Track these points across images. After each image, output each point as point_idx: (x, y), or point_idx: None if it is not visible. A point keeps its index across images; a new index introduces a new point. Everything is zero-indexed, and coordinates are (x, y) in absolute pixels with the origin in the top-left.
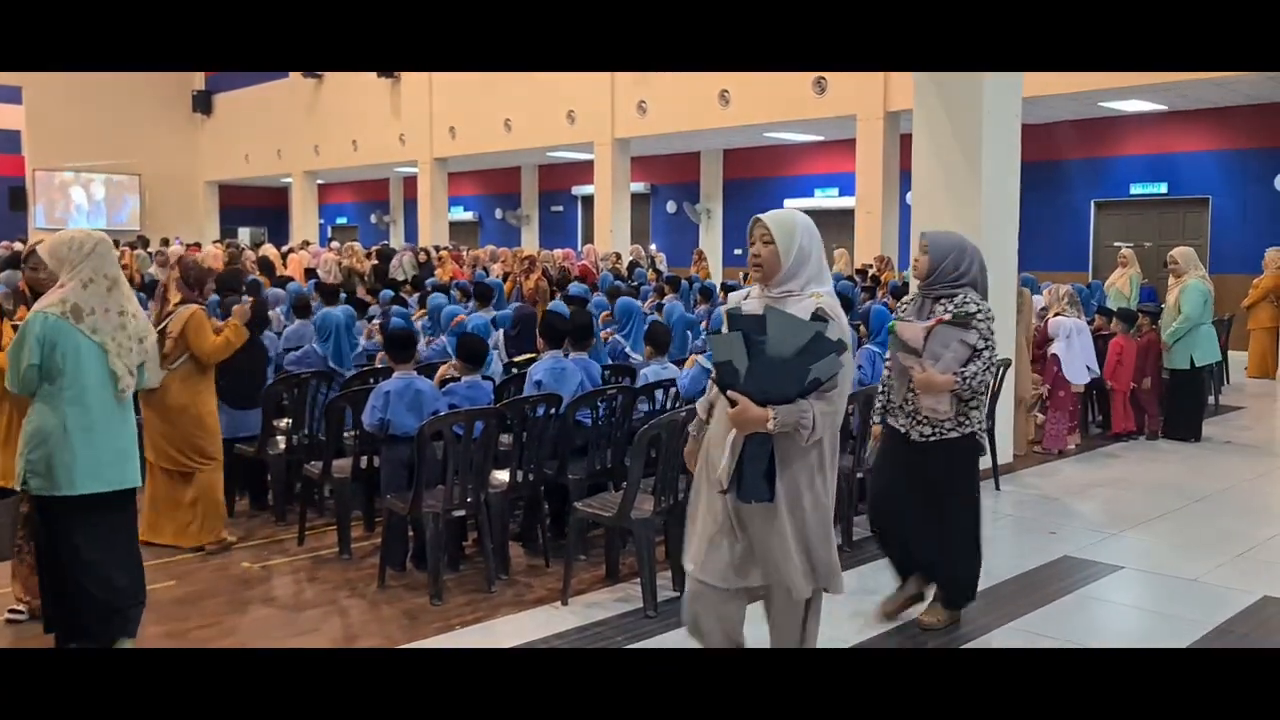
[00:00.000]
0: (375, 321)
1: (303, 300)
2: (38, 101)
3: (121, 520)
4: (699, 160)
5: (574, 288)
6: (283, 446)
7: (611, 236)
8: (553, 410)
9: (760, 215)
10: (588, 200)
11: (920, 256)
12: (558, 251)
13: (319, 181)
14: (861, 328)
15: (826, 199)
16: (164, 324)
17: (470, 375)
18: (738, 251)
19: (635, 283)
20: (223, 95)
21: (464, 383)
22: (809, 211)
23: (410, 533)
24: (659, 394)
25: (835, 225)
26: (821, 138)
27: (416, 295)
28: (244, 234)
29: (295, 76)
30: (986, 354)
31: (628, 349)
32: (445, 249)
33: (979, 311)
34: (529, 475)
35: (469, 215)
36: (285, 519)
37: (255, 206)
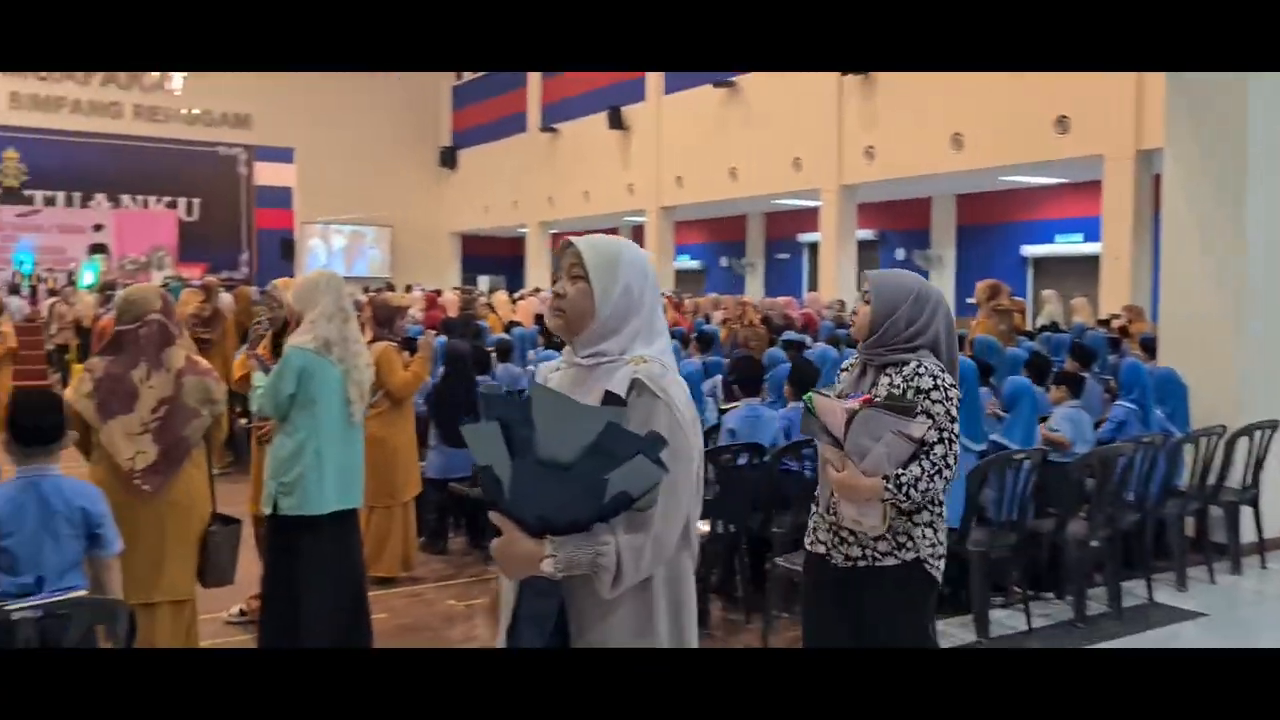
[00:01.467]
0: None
1: (504, 345)
2: (306, 160)
3: (355, 539)
4: (929, 206)
5: (788, 334)
6: None
7: (837, 285)
8: (756, 460)
9: (574, 239)
10: (814, 247)
11: (860, 307)
12: (779, 299)
13: (553, 231)
14: (1111, 382)
15: (1069, 244)
16: None
17: None
18: (970, 300)
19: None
20: (466, 150)
21: None
22: (1049, 259)
23: None
24: None
25: (1078, 273)
26: (1063, 180)
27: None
28: (483, 281)
29: (533, 130)
30: (940, 450)
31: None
32: (666, 295)
33: (935, 388)
34: (729, 526)
35: (695, 263)
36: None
37: (494, 255)
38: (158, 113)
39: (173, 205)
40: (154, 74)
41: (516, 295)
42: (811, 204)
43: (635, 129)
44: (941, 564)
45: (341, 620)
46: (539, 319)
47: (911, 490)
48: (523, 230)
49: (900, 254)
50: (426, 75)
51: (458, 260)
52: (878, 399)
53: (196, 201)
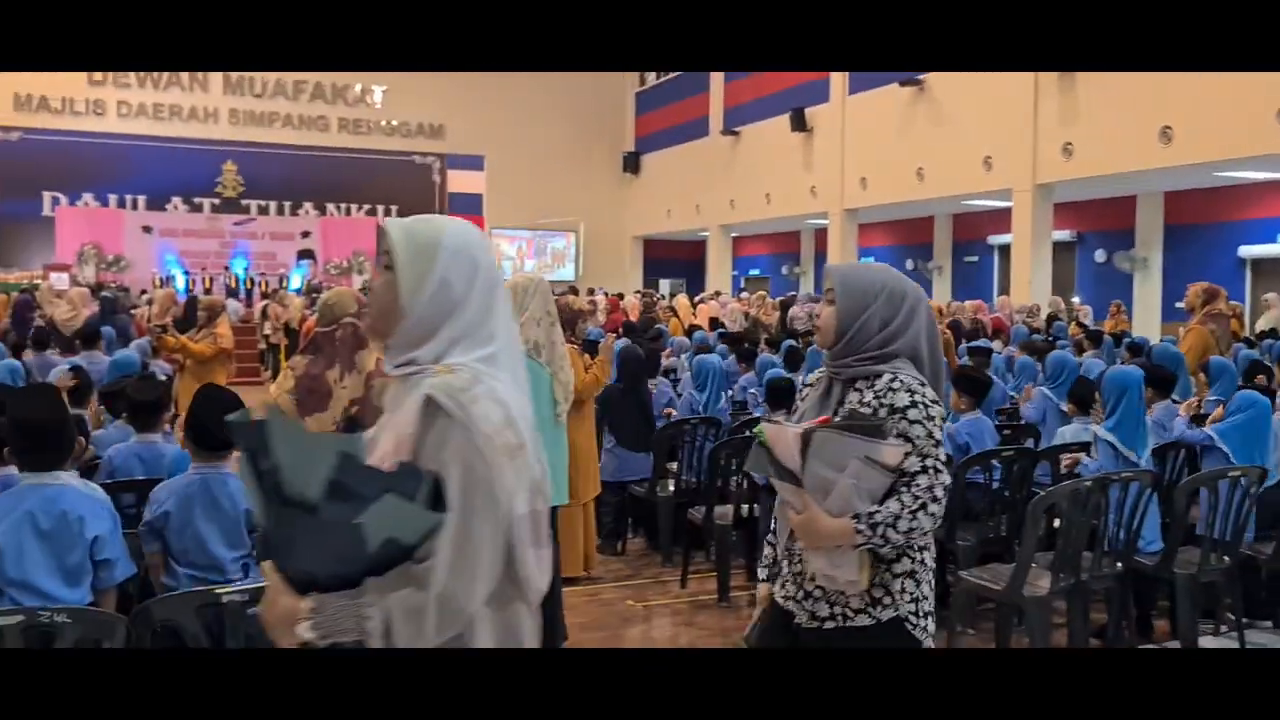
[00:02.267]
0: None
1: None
2: (496, 168)
3: (554, 536)
4: (1134, 204)
5: (975, 341)
6: (672, 489)
7: (1030, 288)
8: None
9: (387, 222)
10: (1005, 249)
11: (822, 308)
12: (968, 303)
13: (734, 234)
14: None
15: None
16: None
17: None
18: (1179, 305)
19: (1053, 337)
20: (649, 155)
21: None
22: (1270, 260)
23: None
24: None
25: None
26: None
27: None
28: (664, 285)
29: (715, 134)
30: (924, 481)
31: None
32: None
33: (914, 405)
34: None
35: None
36: (671, 560)
37: (675, 259)
38: (360, 125)
39: (373, 212)
40: (357, 88)
41: (697, 299)
42: (1003, 204)
43: (818, 130)
44: (929, 623)
45: (542, 615)
46: (714, 322)
47: (889, 531)
48: (704, 234)
49: (1100, 256)
50: (611, 83)
51: (640, 264)
52: (838, 419)
53: (394, 208)
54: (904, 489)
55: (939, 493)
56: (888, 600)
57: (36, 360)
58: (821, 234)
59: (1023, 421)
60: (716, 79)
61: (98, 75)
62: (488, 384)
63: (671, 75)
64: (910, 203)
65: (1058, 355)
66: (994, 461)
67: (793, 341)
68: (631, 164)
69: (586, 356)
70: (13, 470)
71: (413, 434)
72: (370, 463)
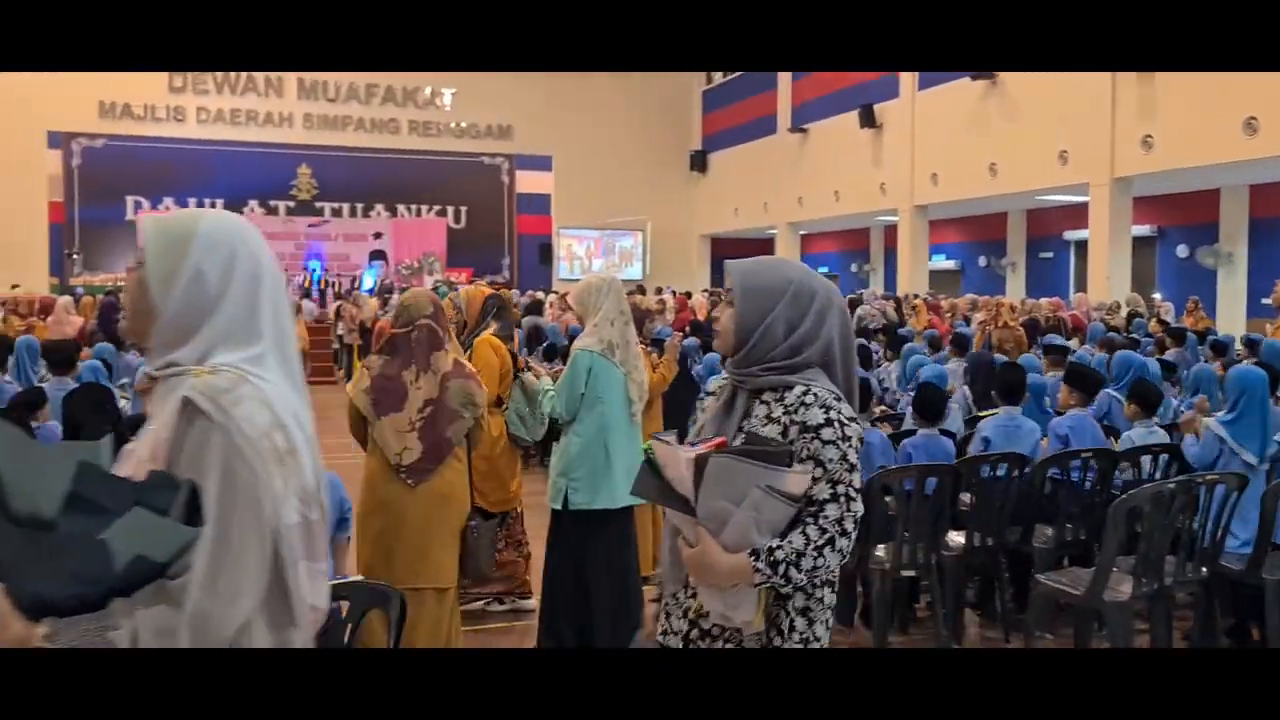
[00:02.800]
0: None
1: None
2: (563, 168)
3: (633, 533)
4: (1217, 197)
5: (1051, 339)
6: None
7: (1108, 284)
8: (1016, 471)
9: (144, 218)
10: (1081, 245)
11: (722, 309)
12: (1044, 301)
13: (802, 232)
14: None
15: None
16: None
17: (928, 429)
18: (1265, 300)
19: (1133, 334)
20: (716, 154)
21: (922, 436)
22: None
23: (859, 589)
24: (1145, 460)
25: None
26: None
27: (886, 345)
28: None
29: (782, 131)
30: (834, 512)
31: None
32: (920, 298)
33: (829, 423)
34: (986, 540)
35: (950, 263)
36: None
37: (743, 257)
38: (430, 127)
39: (443, 213)
40: (427, 91)
41: None
42: (1079, 199)
43: (887, 126)
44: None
45: (622, 614)
46: None
47: (791, 570)
48: (772, 232)
49: (1182, 251)
50: (677, 82)
51: (708, 262)
52: (736, 443)
53: (464, 209)
54: (810, 520)
55: (849, 525)
56: (779, 641)
57: (119, 361)
58: (891, 231)
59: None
60: (784, 76)
61: (178, 82)
62: (254, 384)
63: (738, 73)
64: (982, 199)
65: (1122, 355)
66: (1071, 463)
67: (862, 340)
68: (699, 162)
69: (654, 355)
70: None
71: (169, 439)
72: (124, 472)
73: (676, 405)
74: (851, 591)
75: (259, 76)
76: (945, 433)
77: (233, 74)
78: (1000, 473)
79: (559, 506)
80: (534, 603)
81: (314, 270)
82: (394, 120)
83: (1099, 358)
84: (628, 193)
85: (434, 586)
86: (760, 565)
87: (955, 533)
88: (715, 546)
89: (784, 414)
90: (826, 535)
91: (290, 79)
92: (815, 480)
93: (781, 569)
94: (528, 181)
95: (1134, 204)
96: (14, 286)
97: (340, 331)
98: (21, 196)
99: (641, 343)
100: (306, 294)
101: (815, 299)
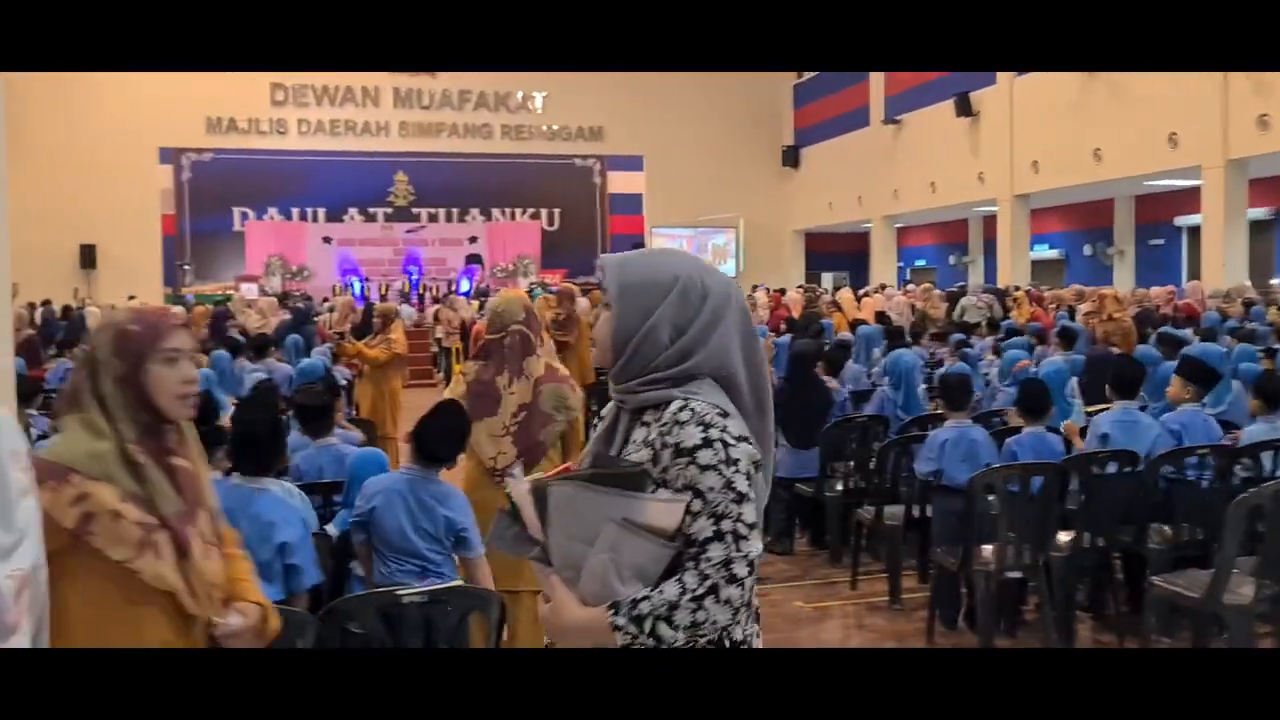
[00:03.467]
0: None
1: (844, 344)
2: (655, 167)
3: None
4: None
5: (1168, 330)
6: (840, 489)
7: (1223, 271)
8: (1128, 469)
9: (604, 258)
10: (1194, 231)
11: (599, 313)
12: (1156, 290)
13: (898, 225)
14: None
15: None
16: None
17: (1034, 426)
18: None
19: (1250, 323)
20: (809, 148)
21: (1028, 434)
22: None
23: (964, 590)
24: (1266, 457)
25: None
26: None
27: (990, 339)
28: (826, 279)
29: (876, 124)
30: (718, 553)
31: None
32: (1022, 289)
33: (707, 444)
34: (1097, 540)
35: (1054, 253)
36: (840, 561)
37: (837, 252)
38: (522, 131)
39: (536, 216)
40: (519, 95)
41: (861, 292)
42: (1190, 183)
43: (985, 115)
44: None
45: None
46: (880, 316)
47: (661, 626)
48: (867, 225)
49: None
50: (768, 77)
51: (802, 258)
52: (582, 467)
53: (557, 211)
54: (690, 565)
55: (740, 569)
56: None
57: (232, 367)
58: (991, 221)
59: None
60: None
61: (279, 95)
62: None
63: None
64: (1087, 185)
65: (1244, 348)
66: (1187, 460)
67: (961, 335)
68: (791, 158)
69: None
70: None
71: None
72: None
73: (796, 413)
74: (956, 593)
75: (356, 87)
76: (1052, 430)
77: (331, 85)
78: (1111, 470)
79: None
80: None
81: (412, 275)
82: (487, 125)
83: (1240, 349)
84: (720, 190)
85: (530, 590)
86: (620, 621)
87: (1064, 533)
88: (569, 600)
89: (657, 435)
90: (708, 582)
91: (386, 88)
92: (694, 514)
93: (648, 625)
94: (619, 182)
95: (1250, 186)
96: (130, 298)
97: (438, 335)
98: (136, 211)
99: None
100: (405, 298)
101: (709, 297)
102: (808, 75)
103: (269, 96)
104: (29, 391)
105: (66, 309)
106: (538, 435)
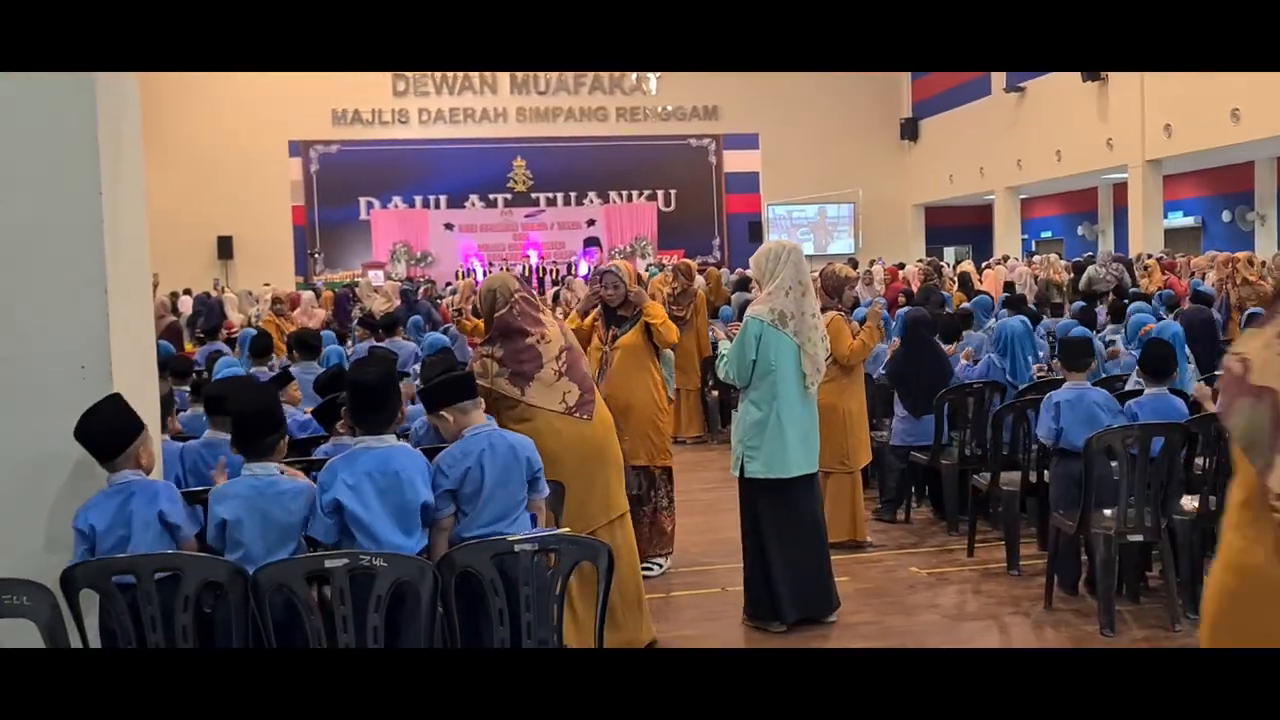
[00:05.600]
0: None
1: (964, 314)
2: (770, 145)
3: (816, 502)
4: None
5: None
6: (956, 456)
7: None
8: None
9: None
10: None
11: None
12: None
13: (1022, 196)
14: None
15: None
16: None
17: (1156, 388)
18: None
19: None
20: (928, 120)
21: (1149, 395)
22: None
23: (1084, 555)
24: None
25: None
26: None
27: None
28: (949, 253)
29: (998, 92)
30: None
31: None
32: (1154, 257)
33: None
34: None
35: (1189, 220)
36: (957, 528)
37: (959, 225)
38: (637, 113)
39: (652, 197)
40: (633, 77)
41: (984, 264)
42: None
43: (1113, 78)
44: None
45: (808, 579)
46: (1007, 288)
47: None
48: (990, 197)
49: None
50: None
51: (922, 232)
52: None
53: (673, 192)
54: None
55: None
56: None
57: (357, 348)
58: (1121, 189)
59: None
60: None
61: (400, 86)
62: None
63: None
64: (1224, 148)
65: None
66: None
67: (1084, 302)
68: (909, 130)
69: (854, 323)
70: (345, 440)
71: None
72: None
73: (912, 381)
74: (1076, 558)
75: (474, 76)
76: (1176, 392)
77: (450, 75)
78: None
79: (737, 474)
80: (657, 568)
81: (531, 258)
82: (602, 108)
83: None
84: (837, 165)
85: (618, 515)
86: None
87: (1190, 497)
88: None
89: None
90: None
91: (503, 76)
92: None
93: None
94: (735, 160)
95: None
96: (265, 285)
97: (558, 316)
98: (269, 203)
99: (839, 309)
100: (526, 281)
101: None
102: None
103: (391, 88)
104: (183, 369)
105: (206, 295)
106: (582, 367)
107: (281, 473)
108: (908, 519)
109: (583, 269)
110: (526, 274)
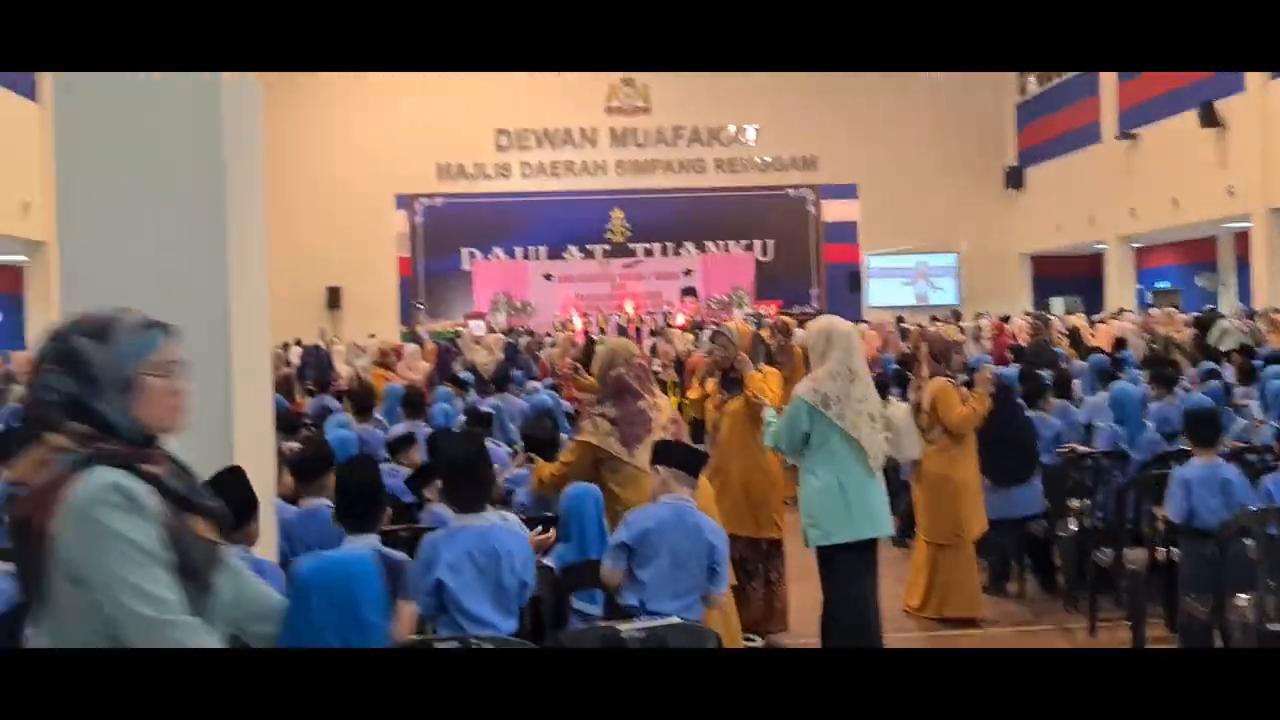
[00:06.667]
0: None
1: (1064, 376)
2: (869, 194)
3: (866, 564)
4: None
5: None
6: (1074, 528)
7: None
8: None
9: None
10: None
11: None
12: None
13: (1135, 245)
14: None
15: None
16: (917, 397)
17: None
18: None
19: None
20: (1034, 168)
21: None
22: None
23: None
24: None
25: None
26: None
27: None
28: (1056, 303)
29: (1108, 139)
30: None
31: None
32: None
33: None
34: None
35: None
36: (1076, 605)
37: (1067, 276)
38: (735, 164)
39: (749, 247)
40: (731, 129)
41: (1095, 317)
42: None
43: (1233, 123)
44: None
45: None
46: (1119, 344)
47: None
48: (1100, 247)
49: None
50: (987, 97)
51: (1028, 283)
52: None
53: (770, 242)
54: None
55: None
56: None
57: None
58: (1243, 238)
59: None
60: (1108, 80)
61: (503, 141)
62: None
63: (1055, 81)
64: None
65: None
66: None
67: (1212, 363)
68: (1014, 178)
69: (963, 389)
70: (440, 509)
71: None
72: None
73: (1002, 444)
74: (1209, 645)
75: (575, 129)
76: None
77: (551, 128)
78: None
79: (806, 544)
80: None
81: (628, 308)
82: (700, 160)
83: None
84: (938, 215)
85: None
86: None
87: None
88: None
89: None
90: None
91: (603, 129)
92: None
93: None
94: (833, 210)
95: None
96: (370, 336)
97: (655, 368)
98: (375, 254)
99: (948, 376)
100: (622, 332)
101: None
102: (1031, 93)
103: (494, 142)
104: (292, 425)
105: (315, 348)
106: (685, 440)
107: (382, 545)
108: (1021, 592)
109: (679, 319)
110: (624, 324)
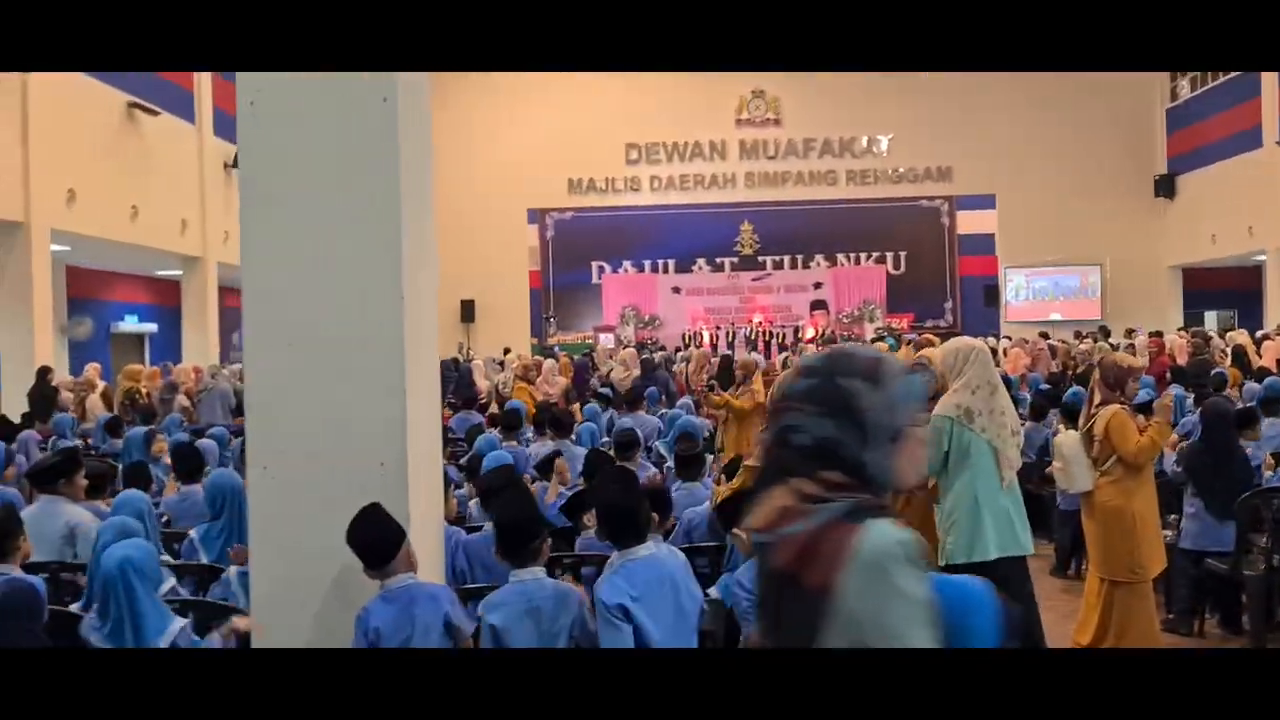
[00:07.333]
0: None
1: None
2: (1007, 205)
3: (1019, 587)
4: None
5: None
6: (1261, 566)
7: None
8: None
9: None
10: None
11: None
12: None
13: None
14: None
15: None
16: (1089, 425)
17: None
18: None
19: None
20: (1186, 176)
21: None
22: None
23: None
24: None
25: None
26: None
27: None
28: (1209, 318)
29: (1270, 144)
30: None
31: None
32: None
33: None
34: None
35: None
36: (1264, 646)
37: (1221, 289)
38: (867, 175)
39: (881, 260)
40: (864, 140)
41: (1260, 334)
42: None
43: None
44: None
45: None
46: None
47: None
48: (1260, 258)
49: None
50: (1133, 104)
51: (1179, 297)
52: None
53: (903, 255)
54: None
55: None
56: None
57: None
58: None
59: None
60: (1269, 81)
61: (633, 155)
62: None
63: (1210, 86)
64: None
65: None
66: None
67: None
68: (1165, 187)
69: (1141, 418)
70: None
71: None
72: None
73: (1213, 480)
74: None
75: (704, 142)
76: None
77: (681, 141)
78: None
79: (942, 562)
80: None
81: (758, 322)
82: (831, 172)
83: None
84: (1080, 226)
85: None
86: None
87: None
88: None
89: None
90: None
91: (733, 141)
92: None
93: None
94: (969, 221)
95: None
96: (506, 351)
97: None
98: (508, 268)
99: (1122, 402)
100: (753, 346)
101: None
102: (1182, 97)
103: (624, 156)
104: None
105: (455, 362)
106: None
107: (550, 576)
108: (1201, 631)
109: (809, 333)
110: (752, 337)
